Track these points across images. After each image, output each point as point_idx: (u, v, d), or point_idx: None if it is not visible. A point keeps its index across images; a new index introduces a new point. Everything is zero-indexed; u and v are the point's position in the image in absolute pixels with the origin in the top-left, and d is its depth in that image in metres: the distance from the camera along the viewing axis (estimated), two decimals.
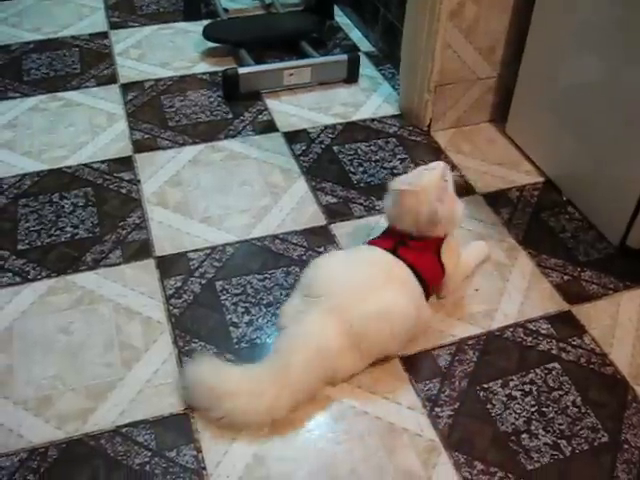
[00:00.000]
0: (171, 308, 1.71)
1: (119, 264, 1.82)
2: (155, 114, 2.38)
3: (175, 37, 2.82)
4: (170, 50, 2.74)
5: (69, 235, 1.90)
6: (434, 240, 1.62)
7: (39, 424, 1.46)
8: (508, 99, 2.24)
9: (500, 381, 1.57)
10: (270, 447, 1.43)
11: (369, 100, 2.48)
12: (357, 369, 1.54)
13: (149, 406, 1.50)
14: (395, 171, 2.14)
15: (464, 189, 2.07)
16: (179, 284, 1.77)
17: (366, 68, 2.63)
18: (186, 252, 1.86)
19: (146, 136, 2.28)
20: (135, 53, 2.71)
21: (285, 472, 1.39)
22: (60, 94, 2.48)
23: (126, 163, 2.16)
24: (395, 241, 1.62)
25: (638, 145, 1.74)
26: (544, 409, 1.51)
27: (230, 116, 2.38)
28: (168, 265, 1.82)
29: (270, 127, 2.34)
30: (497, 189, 2.10)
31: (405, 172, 2.11)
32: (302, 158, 2.20)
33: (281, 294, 1.74)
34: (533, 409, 1.51)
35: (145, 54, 2.71)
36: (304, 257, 1.83)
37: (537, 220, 1.99)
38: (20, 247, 1.87)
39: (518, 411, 1.51)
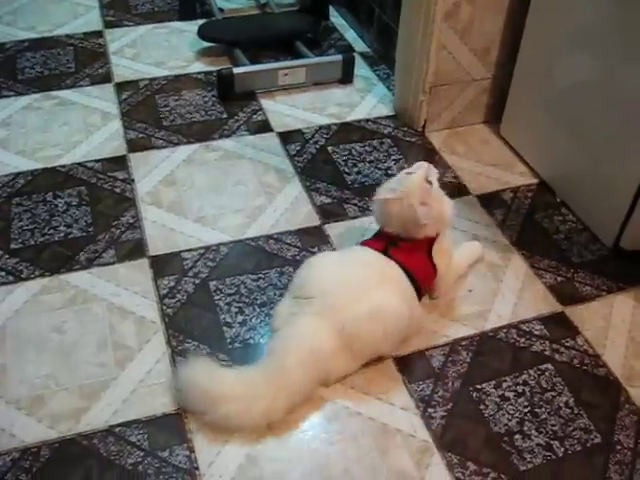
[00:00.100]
0: (165, 308, 1.70)
1: (113, 263, 1.82)
2: (149, 113, 2.38)
3: (170, 36, 2.82)
4: (165, 49, 2.73)
5: (63, 234, 1.90)
6: (424, 240, 1.62)
7: (32, 423, 1.45)
8: (503, 100, 2.24)
9: (493, 382, 1.57)
10: (263, 447, 1.42)
11: (364, 101, 2.48)
12: (350, 370, 1.54)
13: (142, 406, 1.49)
14: (389, 172, 2.14)
15: (457, 190, 2.08)
16: (173, 284, 1.77)
17: (361, 69, 2.63)
18: (180, 252, 1.86)
19: (140, 135, 2.27)
20: (130, 52, 2.71)
21: (278, 472, 1.39)
22: (54, 93, 2.47)
23: (120, 162, 2.16)
24: (386, 242, 1.62)
25: (632, 146, 1.74)
26: (537, 410, 1.52)
27: (225, 116, 2.38)
28: (162, 265, 1.82)
29: (265, 127, 2.34)
30: (491, 190, 2.10)
31: (399, 172, 2.12)
32: (296, 158, 2.20)
33: (275, 294, 1.73)
34: (526, 410, 1.52)
35: (140, 53, 2.70)
36: (298, 257, 1.83)
37: (531, 221, 2.00)
38: (13, 246, 1.86)
39: (511, 412, 1.51)
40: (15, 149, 2.21)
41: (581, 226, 1.98)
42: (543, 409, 1.52)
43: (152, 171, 2.12)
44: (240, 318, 1.69)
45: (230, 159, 2.18)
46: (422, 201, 1.57)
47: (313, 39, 2.78)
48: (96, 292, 1.74)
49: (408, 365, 1.60)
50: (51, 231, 1.91)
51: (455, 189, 2.08)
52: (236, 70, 2.43)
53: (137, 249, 1.86)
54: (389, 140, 2.29)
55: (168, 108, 2.40)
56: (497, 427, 1.48)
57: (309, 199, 2.04)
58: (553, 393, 1.55)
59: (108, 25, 2.88)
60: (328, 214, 1.99)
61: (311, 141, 2.28)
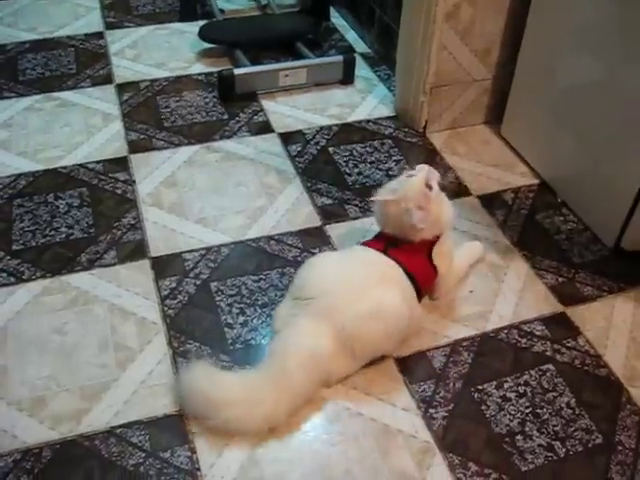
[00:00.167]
0: (166, 309, 1.70)
1: (114, 265, 1.82)
2: (150, 114, 2.38)
3: (171, 37, 2.82)
4: (166, 50, 2.74)
5: (64, 235, 1.90)
6: (424, 242, 1.62)
7: (33, 425, 1.46)
8: (503, 101, 2.24)
9: (494, 382, 1.57)
10: (265, 448, 1.42)
11: (365, 101, 2.48)
12: (351, 370, 1.54)
13: (143, 407, 1.49)
14: (390, 172, 2.14)
15: (458, 190, 2.08)
16: (174, 285, 1.77)
17: (362, 69, 2.63)
18: (181, 253, 1.86)
19: (141, 136, 2.28)
20: (131, 53, 2.71)
21: (279, 473, 1.39)
22: (55, 94, 2.47)
23: (121, 163, 2.16)
24: (386, 243, 1.62)
25: (633, 147, 1.74)
26: (538, 410, 1.52)
27: (226, 117, 2.38)
28: (163, 266, 1.82)
29: (266, 128, 2.34)
30: (492, 191, 2.10)
31: (400, 173, 2.12)
32: (297, 159, 2.20)
33: (276, 295, 1.73)
34: (527, 410, 1.52)
35: (141, 54, 2.71)
36: (299, 258, 1.83)
37: (532, 222, 2.00)
38: (15, 247, 1.86)
39: (512, 412, 1.51)
40: (16, 150, 2.21)
41: (582, 226, 1.98)
42: (544, 410, 1.52)
43: (153, 172, 2.13)
44: (241, 319, 1.69)
45: (231, 160, 2.19)
46: (419, 205, 1.57)
47: (314, 40, 2.78)
48: (97, 293, 1.74)
49: (409, 366, 1.60)
50: (52, 232, 1.91)
51: (456, 190, 2.08)
52: (237, 71, 2.43)
53: (138, 250, 1.86)
54: (390, 141, 2.29)
55: (169, 109, 2.41)
56: (498, 428, 1.48)
57: (310, 200, 2.04)
58: (554, 394, 1.55)
59: (109, 26, 2.89)
60: (329, 215, 1.99)
61: (312, 142, 2.28)
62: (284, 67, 2.50)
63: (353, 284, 1.53)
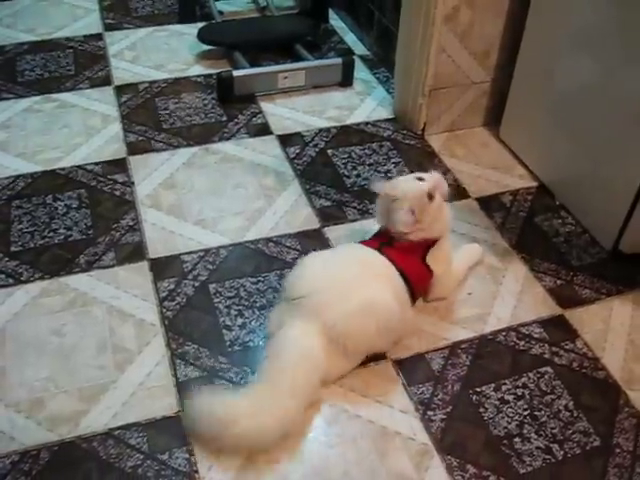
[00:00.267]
0: (164, 310, 1.70)
1: (112, 266, 1.82)
2: (149, 116, 2.38)
3: (170, 39, 2.82)
4: (165, 52, 2.74)
5: (62, 237, 1.90)
6: (419, 244, 1.62)
7: (31, 426, 1.45)
8: (502, 103, 2.25)
9: (493, 385, 1.57)
10: (262, 450, 1.42)
11: (363, 104, 2.49)
12: (347, 368, 1.54)
13: (142, 409, 1.49)
14: (389, 175, 2.14)
15: (457, 193, 2.08)
16: (172, 286, 1.77)
17: (361, 72, 2.64)
18: (180, 254, 1.86)
19: (140, 138, 2.28)
20: (129, 55, 2.71)
21: (278, 475, 1.39)
22: (54, 95, 2.47)
23: (120, 165, 2.16)
24: (381, 241, 1.63)
25: (631, 150, 1.75)
26: (536, 413, 1.52)
27: (224, 119, 2.38)
28: (161, 267, 1.82)
29: (264, 130, 2.34)
30: (490, 193, 2.10)
31: (399, 175, 2.12)
32: (296, 161, 2.20)
33: (274, 297, 1.73)
34: (525, 413, 1.52)
35: (139, 56, 2.71)
36: (298, 260, 1.83)
37: (530, 224, 2.00)
38: (13, 249, 1.86)
39: (510, 415, 1.51)
40: (15, 152, 2.21)
41: (580, 229, 1.98)
42: (542, 412, 1.52)
43: (152, 174, 2.13)
44: (240, 321, 1.69)
45: (230, 162, 2.19)
46: (412, 209, 1.57)
47: (313, 42, 2.78)
48: (96, 295, 1.74)
49: (407, 368, 1.60)
50: (51, 234, 1.91)
51: (455, 192, 2.08)
52: (236, 73, 2.44)
53: (137, 252, 1.86)
54: (389, 143, 2.29)
55: (168, 111, 2.41)
56: (497, 430, 1.48)
57: (309, 202, 2.04)
58: (552, 396, 1.55)
59: (108, 28, 2.89)
60: (328, 217, 1.99)
61: (311, 144, 2.28)
62: (283, 69, 2.50)
63: (344, 281, 1.53)
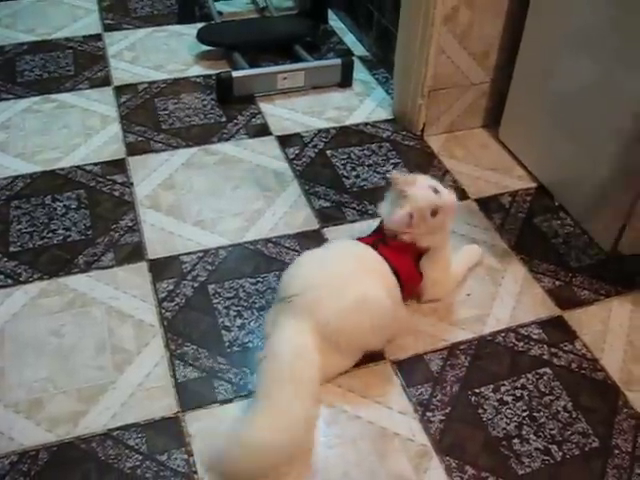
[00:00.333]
0: (163, 311, 1.70)
1: (111, 267, 1.82)
2: (148, 117, 2.38)
3: (169, 40, 2.82)
4: (164, 53, 2.74)
5: (61, 237, 1.90)
6: (413, 247, 1.62)
7: (30, 427, 1.45)
8: (501, 104, 2.25)
9: (492, 386, 1.57)
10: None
11: (362, 104, 2.49)
12: (343, 365, 1.55)
13: (140, 409, 1.49)
14: (388, 175, 2.14)
15: (456, 194, 2.07)
16: (171, 287, 1.77)
17: (360, 72, 2.64)
18: (179, 255, 1.86)
19: (139, 139, 2.28)
20: (129, 55, 2.71)
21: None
22: (53, 96, 2.47)
23: (119, 165, 2.16)
24: (377, 238, 1.63)
25: (630, 151, 1.75)
26: (535, 414, 1.52)
27: (224, 119, 2.38)
28: (161, 268, 1.82)
29: (263, 131, 2.34)
30: (490, 194, 2.10)
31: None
32: (295, 162, 2.20)
33: (273, 298, 1.73)
34: (524, 414, 1.52)
35: (139, 57, 2.71)
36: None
37: (529, 225, 2.00)
38: (12, 249, 1.86)
39: (509, 416, 1.51)
40: (14, 152, 2.21)
41: (579, 230, 1.98)
42: (541, 413, 1.52)
43: (151, 174, 2.13)
44: (239, 322, 1.69)
45: (229, 163, 2.19)
46: (412, 213, 1.57)
47: (312, 43, 2.78)
48: (95, 295, 1.74)
49: (406, 369, 1.60)
50: (50, 234, 1.91)
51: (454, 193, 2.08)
52: (235, 74, 2.43)
53: (136, 252, 1.86)
54: (388, 144, 2.29)
55: (167, 111, 2.41)
56: (495, 431, 1.48)
57: (308, 203, 2.04)
58: (551, 397, 1.55)
59: (107, 28, 2.89)
60: (327, 218, 1.99)
61: (310, 145, 2.28)
62: (282, 70, 2.50)
63: (337, 278, 1.52)
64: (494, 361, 1.63)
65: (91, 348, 1.61)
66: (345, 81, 2.56)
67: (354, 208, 2.03)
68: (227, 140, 2.28)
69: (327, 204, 2.04)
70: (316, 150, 2.26)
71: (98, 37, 2.83)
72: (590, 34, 1.81)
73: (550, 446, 1.46)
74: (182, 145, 2.25)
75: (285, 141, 2.29)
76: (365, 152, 2.25)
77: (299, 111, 2.44)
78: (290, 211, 2.01)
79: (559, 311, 1.75)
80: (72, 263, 1.83)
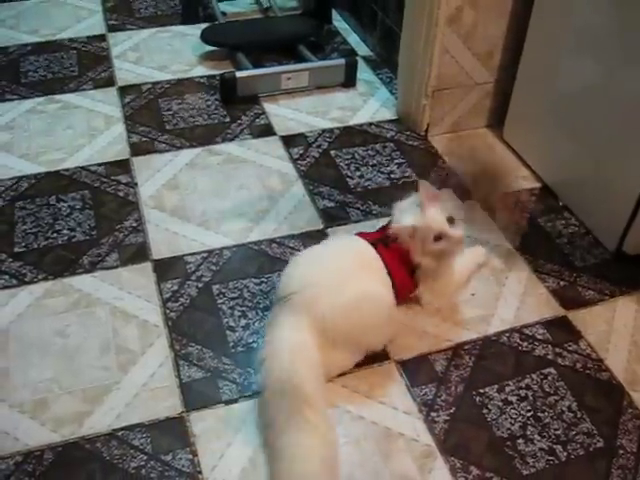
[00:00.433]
0: (168, 311, 1.71)
1: (116, 267, 1.82)
2: (152, 117, 2.38)
3: (173, 40, 2.83)
4: (168, 53, 2.74)
5: (66, 238, 1.90)
6: (409, 257, 1.60)
7: (35, 427, 1.46)
8: (505, 104, 2.24)
9: (496, 386, 1.57)
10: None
11: (366, 104, 2.49)
12: (345, 364, 1.54)
13: (145, 409, 1.50)
14: (392, 175, 2.14)
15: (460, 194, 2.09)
16: (176, 287, 1.77)
17: (364, 72, 2.64)
18: (183, 255, 1.86)
19: (143, 139, 2.28)
20: (133, 56, 2.72)
21: None
22: (58, 96, 2.48)
23: (123, 166, 2.16)
24: (378, 237, 1.61)
25: (634, 150, 1.74)
26: (540, 414, 1.52)
27: (227, 120, 2.38)
28: (165, 268, 1.82)
29: (267, 131, 2.34)
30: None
31: (403, 176, 2.13)
32: (299, 162, 2.20)
33: None
34: (529, 414, 1.52)
35: (143, 57, 2.71)
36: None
37: (534, 225, 2.00)
38: (17, 249, 1.86)
39: (514, 416, 1.51)
40: (19, 152, 2.21)
41: (584, 230, 1.98)
42: (546, 413, 1.52)
43: (155, 175, 2.13)
44: (243, 322, 1.69)
45: (233, 163, 2.19)
46: (414, 230, 1.56)
47: (316, 43, 2.78)
48: (99, 296, 1.74)
49: (411, 369, 1.60)
50: (54, 235, 1.91)
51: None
52: (239, 74, 2.44)
53: (140, 253, 1.86)
54: (392, 144, 2.29)
55: (171, 112, 2.41)
56: (500, 431, 1.48)
57: (312, 203, 2.04)
58: (556, 397, 1.55)
59: (111, 29, 2.89)
60: (331, 218, 1.99)
61: (314, 145, 2.28)
62: (286, 70, 2.50)
63: (334, 273, 1.52)
64: (498, 361, 1.62)
65: (96, 348, 1.62)
66: (349, 81, 2.56)
67: (358, 208, 2.03)
68: (231, 140, 2.29)
69: (331, 204, 2.04)
70: (320, 150, 2.26)
71: (102, 38, 2.83)
72: (594, 34, 1.81)
73: (555, 446, 1.46)
74: (186, 145, 2.26)
75: (289, 141, 2.29)
76: (369, 152, 2.25)
77: (303, 111, 2.44)
78: (294, 211, 2.01)
79: (563, 311, 1.75)
80: (77, 263, 1.83)
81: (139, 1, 3.09)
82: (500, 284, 1.81)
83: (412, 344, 1.64)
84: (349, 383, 1.55)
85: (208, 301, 1.74)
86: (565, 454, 1.45)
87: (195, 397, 1.52)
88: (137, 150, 2.23)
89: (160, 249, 1.88)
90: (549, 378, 1.59)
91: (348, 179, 2.14)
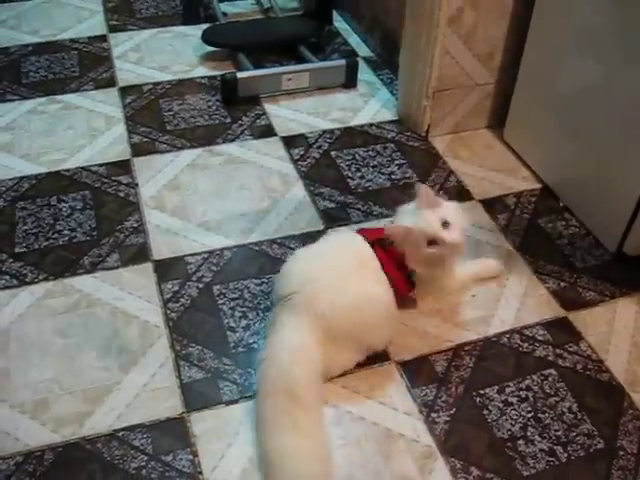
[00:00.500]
0: (168, 312, 1.71)
1: (117, 268, 1.82)
2: (153, 118, 2.38)
3: (174, 41, 2.83)
4: (169, 54, 2.74)
5: (67, 238, 1.90)
6: (403, 259, 1.59)
7: (35, 427, 1.46)
8: (506, 105, 2.24)
9: (496, 387, 1.57)
10: None
11: (367, 105, 2.49)
12: (346, 363, 1.54)
13: (146, 410, 1.50)
14: (393, 176, 2.14)
15: (461, 194, 2.08)
16: (176, 288, 1.77)
17: (364, 73, 2.64)
18: (184, 256, 1.86)
19: (144, 140, 2.28)
20: (134, 56, 2.72)
21: None
22: (59, 97, 2.48)
23: (124, 166, 2.17)
24: (377, 237, 1.59)
25: (635, 151, 1.74)
26: (540, 415, 1.52)
27: (228, 120, 2.38)
28: (166, 269, 1.82)
29: (268, 131, 2.34)
30: (494, 195, 2.10)
31: (404, 177, 2.13)
32: (300, 163, 2.20)
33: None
34: (529, 415, 1.52)
35: (144, 57, 2.71)
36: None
37: (534, 226, 2.00)
38: (17, 250, 1.87)
39: (514, 417, 1.51)
40: (19, 153, 2.21)
41: (584, 231, 1.98)
42: (546, 414, 1.52)
43: (156, 175, 2.13)
44: (244, 322, 1.69)
45: (234, 163, 2.19)
46: (407, 230, 1.55)
47: (317, 44, 2.78)
48: (100, 296, 1.74)
49: (411, 370, 1.60)
50: (55, 235, 1.91)
51: (458, 194, 2.08)
52: (240, 74, 2.44)
53: (141, 253, 1.87)
54: (392, 145, 2.29)
55: (172, 112, 2.41)
56: (500, 432, 1.48)
57: (313, 204, 2.04)
58: (556, 398, 1.55)
59: (112, 29, 2.89)
60: (332, 219, 1.99)
61: (314, 145, 2.28)
62: (287, 71, 2.50)
63: (333, 270, 1.51)
64: (499, 362, 1.62)
65: (96, 349, 1.62)
66: (350, 82, 2.56)
67: (359, 209, 2.03)
68: (232, 141, 2.29)
69: (332, 205, 2.04)
70: (321, 151, 2.26)
71: (103, 38, 2.83)
72: (595, 35, 1.81)
73: (555, 447, 1.46)
74: (187, 146, 2.26)
75: (290, 142, 2.30)
76: (370, 153, 2.25)
77: (304, 112, 2.44)
78: (295, 212, 2.01)
79: (564, 312, 1.75)
80: (77, 264, 1.83)
81: (140, 2, 3.09)
82: (500, 285, 1.81)
83: (412, 345, 1.64)
84: (349, 384, 1.55)
85: (209, 302, 1.74)
86: (565, 455, 1.45)
87: (196, 398, 1.52)
88: (138, 151, 2.23)
89: (161, 250, 1.88)
90: (549, 379, 1.59)
91: (349, 180, 2.14)
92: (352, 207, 2.03)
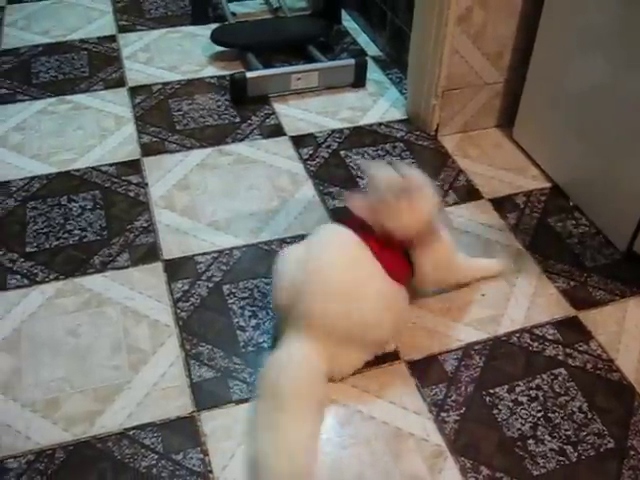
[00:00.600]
0: (178, 311, 1.71)
1: (127, 267, 1.83)
2: (163, 117, 2.39)
3: (183, 41, 2.83)
4: (178, 54, 2.75)
5: (77, 238, 1.91)
6: (393, 237, 1.52)
7: (47, 426, 1.47)
8: (515, 104, 2.24)
9: (506, 386, 1.57)
10: None
11: (376, 105, 2.49)
12: (355, 362, 1.54)
13: (156, 409, 1.50)
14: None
15: (470, 194, 2.08)
16: (186, 287, 1.77)
17: (373, 72, 2.64)
18: (193, 255, 1.87)
19: (154, 139, 2.29)
20: (143, 56, 2.73)
21: None
22: (69, 97, 2.49)
23: (134, 166, 2.17)
24: (361, 223, 1.53)
25: None
26: (550, 415, 1.51)
27: (238, 120, 2.39)
28: (175, 268, 1.83)
29: (277, 131, 2.34)
30: (504, 194, 2.10)
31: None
32: (309, 162, 2.20)
33: None
34: (539, 414, 1.51)
35: (153, 57, 2.72)
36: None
37: (544, 225, 1.99)
38: (28, 249, 1.87)
39: (524, 416, 1.51)
40: (30, 153, 2.22)
41: (594, 230, 1.97)
42: (556, 414, 1.52)
43: (166, 175, 2.14)
44: (253, 322, 1.69)
45: (243, 163, 2.19)
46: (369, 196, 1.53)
47: (325, 43, 2.78)
48: (110, 295, 1.75)
49: (421, 369, 1.60)
50: (66, 235, 1.92)
51: (468, 193, 2.08)
52: (249, 74, 2.44)
53: (151, 253, 1.87)
54: (402, 144, 2.29)
55: (181, 112, 2.42)
56: (510, 432, 1.48)
57: (322, 203, 2.05)
58: (566, 398, 1.55)
59: (122, 30, 2.90)
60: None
61: (324, 145, 2.28)
62: (296, 70, 2.51)
63: (323, 274, 1.48)
64: (509, 361, 1.62)
65: (107, 348, 1.62)
66: (359, 81, 2.56)
67: None
68: (241, 140, 2.29)
69: (341, 204, 2.04)
70: (330, 150, 2.26)
71: (112, 38, 2.84)
72: (604, 34, 1.81)
73: (565, 447, 1.46)
74: (196, 146, 2.26)
75: (299, 141, 2.30)
76: (379, 152, 2.25)
77: (313, 111, 2.44)
78: (304, 211, 2.02)
79: (574, 311, 1.74)
80: (88, 263, 1.84)
81: (149, 2, 3.10)
82: (510, 284, 1.81)
83: (422, 344, 1.64)
84: (359, 383, 1.55)
85: (218, 301, 1.74)
86: (576, 455, 1.44)
87: (206, 397, 1.53)
88: (148, 150, 2.24)
89: (171, 249, 1.88)
90: (559, 378, 1.59)
91: (358, 179, 2.14)
92: None
